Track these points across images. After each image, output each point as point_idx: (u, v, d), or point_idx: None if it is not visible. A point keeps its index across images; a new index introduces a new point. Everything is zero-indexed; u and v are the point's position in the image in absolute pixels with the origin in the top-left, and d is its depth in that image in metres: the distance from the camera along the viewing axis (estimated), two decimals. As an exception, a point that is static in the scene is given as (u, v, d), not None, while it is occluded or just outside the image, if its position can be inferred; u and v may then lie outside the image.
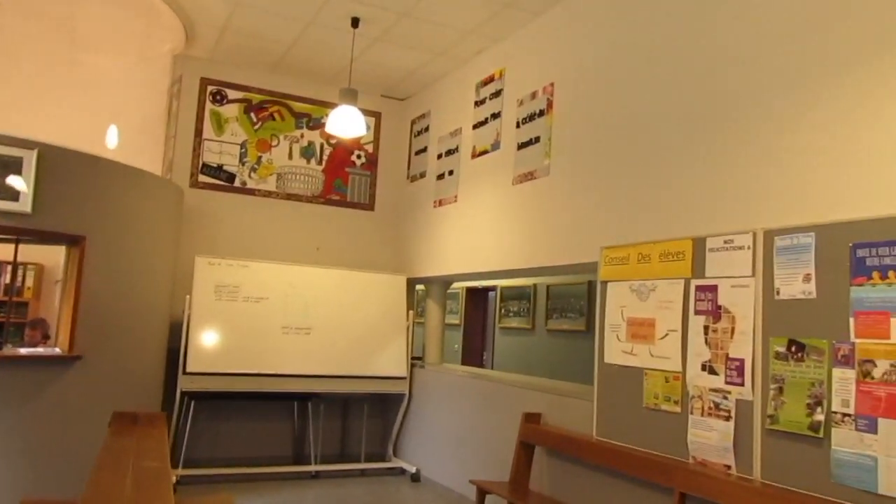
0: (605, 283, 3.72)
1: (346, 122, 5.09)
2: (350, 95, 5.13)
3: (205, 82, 6.15)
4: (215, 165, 6.13)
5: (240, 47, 5.83)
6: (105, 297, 4.58)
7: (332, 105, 6.47)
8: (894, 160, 2.52)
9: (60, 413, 4.29)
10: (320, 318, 5.76)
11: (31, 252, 6.41)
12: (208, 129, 6.13)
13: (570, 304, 7.41)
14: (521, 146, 4.88)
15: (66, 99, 4.77)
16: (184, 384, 5.18)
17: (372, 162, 6.76)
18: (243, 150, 6.22)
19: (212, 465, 5.61)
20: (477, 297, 9.38)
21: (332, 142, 6.59)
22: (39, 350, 4.43)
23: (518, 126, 4.95)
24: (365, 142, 6.74)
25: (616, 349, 3.58)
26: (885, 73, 2.61)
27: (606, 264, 3.73)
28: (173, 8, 5.14)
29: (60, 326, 4.45)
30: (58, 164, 4.36)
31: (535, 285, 8.03)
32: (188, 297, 5.38)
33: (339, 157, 6.62)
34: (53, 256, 6.30)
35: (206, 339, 5.34)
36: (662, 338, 3.30)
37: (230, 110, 6.21)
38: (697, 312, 3.11)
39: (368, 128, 6.71)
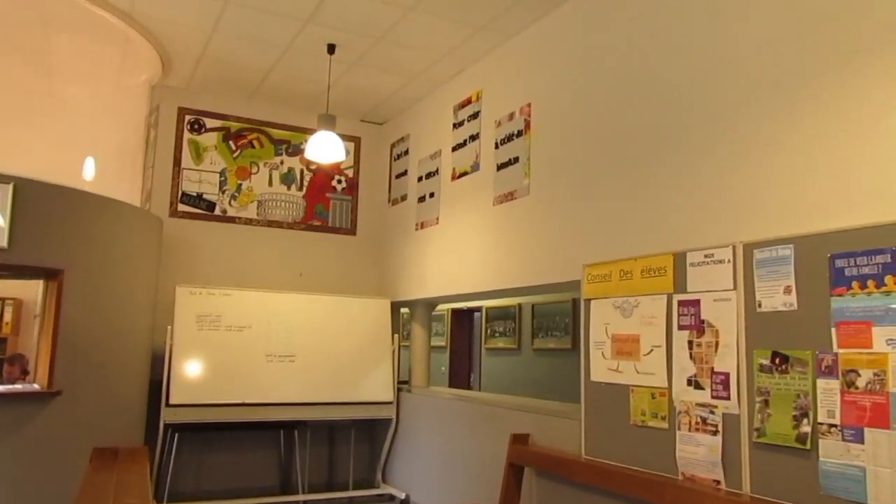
0: (588, 300, 3.71)
1: (325, 148, 5.08)
2: (328, 121, 5.13)
3: (182, 111, 6.14)
4: (195, 194, 6.11)
5: (217, 76, 5.84)
6: (84, 331, 4.51)
7: (310, 131, 6.49)
8: (870, 169, 2.54)
9: (40, 451, 4.19)
10: (305, 344, 5.72)
11: (8, 287, 6.32)
12: (187, 158, 6.11)
13: (556, 322, 7.40)
14: (501, 167, 4.89)
15: (42, 131, 4.74)
16: (167, 416, 5.10)
17: (352, 186, 6.77)
18: (223, 179, 6.22)
19: (197, 499, 5.51)
20: (462, 319, 9.35)
21: (312, 168, 6.59)
22: (18, 387, 4.36)
23: (497, 147, 4.97)
24: (345, 167, 6.76)
25: (602, 366, 3.57)
26: (859, 84, 2.64)
27: (589, 282, 3.72)
28: (148, 39, 5.14)
29: (39, 362, 4.38)
30: (34, 198, 4.32)
31: (519, 305, 8.03)
32: (169, 327, 5.32)
33: (320, 182, 6.63)
34: (32, 290, 6.23)
35: (189, 370, 5.28)
36: (647, 354, 3.29)
37: (208, 139, 6.21)
38: (681, 327, 3.11)
39: (348, 152, 6.73)
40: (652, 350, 3.26)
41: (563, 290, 4.54)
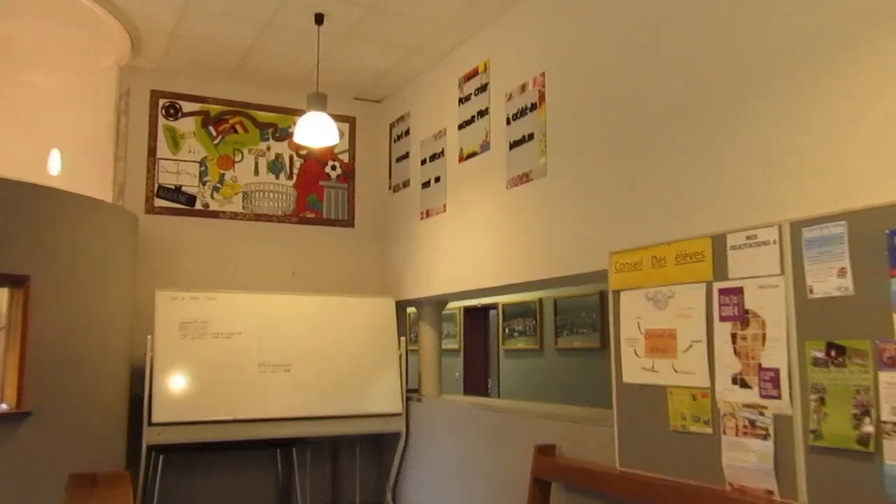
0: (616, 292, 3.72)
1: (316, 131, 5.09)
2: (319, 101, 5.14)
3: (156, 95, 6.17)
4: (172, 187, 6.15)
5: (192, 54, 5.85)
6: (56, 344, 4.54)
7: (299, 112, 6.50)
8: (930, 134, 2.52)
9: (9, 478, 4.21)
10: (301, 351, 5.75)
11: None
12: (162, 148, 6.15)
13: (581, 318, 7.40)
14: (514, 145, 4.90)
15: (3, 124, 4.75)
16: (150, 437, 5.12)
17: (348, 173, 6.79)
18: (203, 169, 6.25)
19: (187, 527, 5.55)
20: (476, 318, 9.37)
21: (303, 153, 6.62)
22: (-17, 408, 4.37)
23: (508, 123, 4.97)
24: (339, 151, 6.78)
25: (635, 366, 3.57)
26: (913, 37, 2.60)
27: (617, 271, 3.73)
28: (115, 15, 5.16)
29: (6, 379, 4.40)
30: (-6, 197, 4.33)
31: (540, 300, 8.03)
32: (150, 337, 5.35)
33: (312, 169, 6.65)
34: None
35: (174, 384, 5.31)
36: (685, 350, 3.29)
37: (186, 125, 6.23)
38: (722, 318, 3.10)
39: (342, 135, 6.74)
40: (691, 346, 3.26)
41: (588, 282, 4.51)
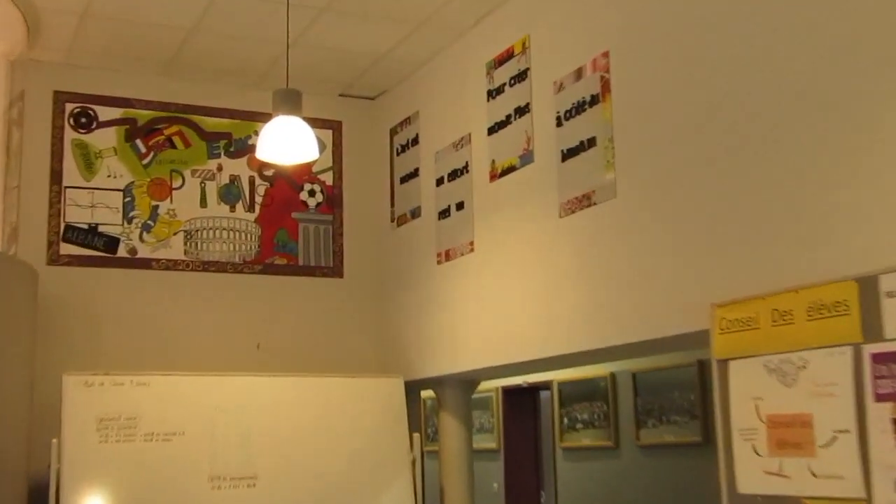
0: (723, 362, 3.69)
1: (286, 143, 5.00)
2: (290, 100, 5.04)
3: (61, 98, 6.23)
4: (86, 227, 6.16)
5: (112, 42, 5.89)
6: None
7: (263, 117, 6.16)
8: None
9: None
10: (271, 458, 5.70)
11: None
12: (71, 171, 6.18)
13: (673, 400, 7.32)
14: (568, 155, 4.89)
15: None
16: (56, 589, 5.09)
17: (333, 200, 6.77)
18: (129, 200, 6.25)
19: None
20: (521, 403, 9.30)
21: (269, 174, 6.62)
22: None
23: (559, 124, 4.97)
24: (319, 170, 6.77)
25: (754, 469, 3.52)
26: None
27: (723, 331, 3.70)
28: (3, -11, 5.26)
29: None
30: None
31: (612, 375, 7.97)
32: (55, 442, 5.32)
33: (282, 196, 6.64)
34: None
35: (89, 509, 5.29)
36: (827, 444, 3.25)
37: (104, 138, 6.26)
38: (879, 398, 3.07)
39: (323, 147, 6.56)
40: (835, 438, 3.22)
41: (681, 348, 4.56)
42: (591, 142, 4.72)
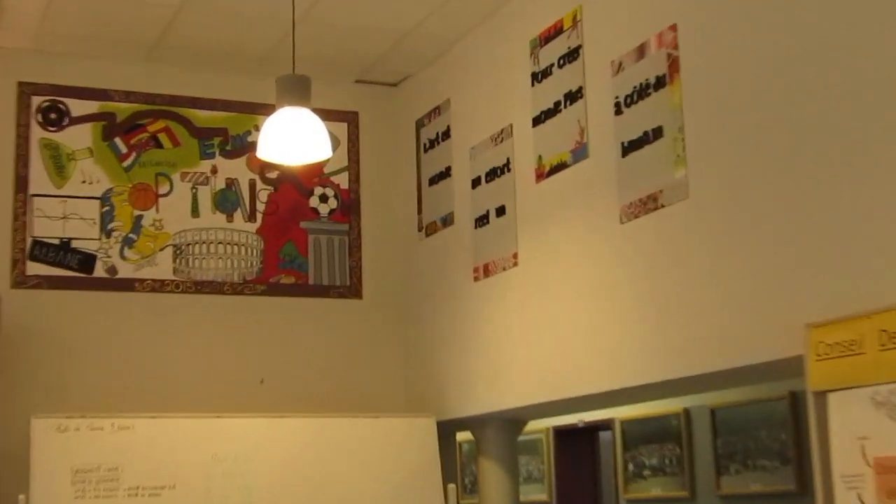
0: (821, 394, 3.69)
1: (293, 138, 5.02)
2: (297, 88, 5.05)
3: (27, 90, 6.26)
4: (57, 242, 6.19)
5: (85, 24, 5.92)
6: None
7: (265, 109, 6.19)
8: None
9: None
10: (278, 515, 5.70)
11: None
12: (39, 177, 6.21)
13: (761, 441, 7.25)
14: (629, 148, 4.88)
15: None
16: None
17: (349, 207, 6.78)
18: (107, 209, 6.27)
19: None
20: (577, 446, 9.26)
21: (272, 176, 6.61)
22: None
23: (619, 111, 4.97)
24: (332, 170, 6.79)
25: (862, 525, 3.49)
26: None
27: (821, 357, 3.69)
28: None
29: None
30: None
31: (686, 412, 7.92)
32: (22, 497, 5.31)
33: (288, 203, 6.65)
34: None
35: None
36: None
37: (77, 137, 6.29)
38: None
39: (337, 144, 6.61)
40: (963, 489, 3.15)
41: (770, 378, 4.62)
42: (658, 132, 4.70)
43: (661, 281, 4.69)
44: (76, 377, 6.09)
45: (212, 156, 6.53)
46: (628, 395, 5.46)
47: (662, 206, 4.65)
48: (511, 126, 5.79)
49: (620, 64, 4.96)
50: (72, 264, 6.17)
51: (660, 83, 4.70)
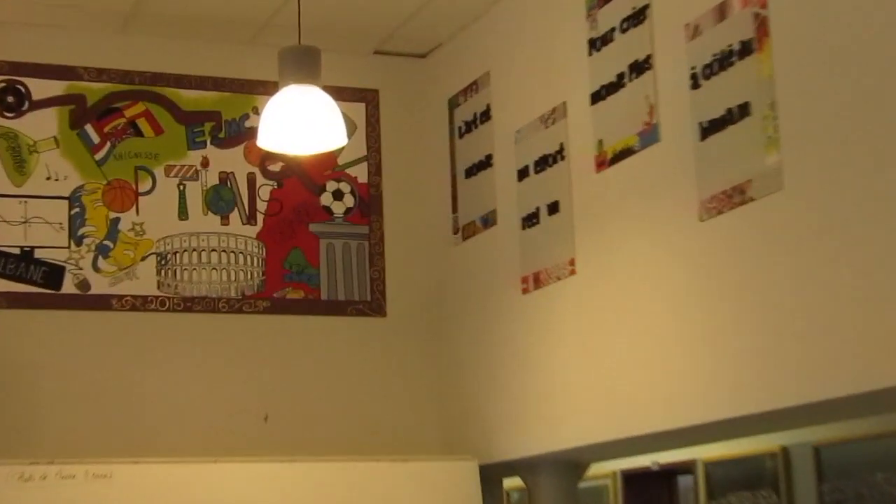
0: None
1: (299, 123, 5.02)
2: (303, 62, 5.05)
3: (-25, 70, 6.29)
4: (17, 252, 6.15)
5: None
6: None
7: (265, 88, 6.36)
8: None
9: None
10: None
11: None
12: (-6, 173, 6.21)
13: (876, 486, 7.21)
14: (709, 129, 4.80)
15: None
16: None
17: (369, 205, 6.77)
18: (77, 211, 6.25)
19: None
20: (650, 492, 9.31)
21: (275, 169, 6.61)
22: None
23: (696, 84, 4.89)
24: (347, 162, 6.77)
25: None
26: None
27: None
28: None
29: None
30: None
31: (784, 451, 7.91)
32: (-23, 562, 5.37)
33: (294, 201, 6.64)
34: None
35: None
36: None
37: (40, 125, 6.26)
38: None
39: (353, 129, 6.64)
40: None
41: (888, 409, 4.67)
42: (744, 109, 4.62)
43: (752, 289, 4.60)
44: (42, 414, 6.07)
45: (202, 145, 6.49)
46: (715, 431, 5.37)
47: (751, 199, 4.56)
48: (564, 104, 5.75)
49: (697, 27, 4.88)
50: (35, 278, 6.13)
51: (745, 49, 4.61)
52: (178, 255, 6.38)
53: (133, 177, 6.35)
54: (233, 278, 6.47)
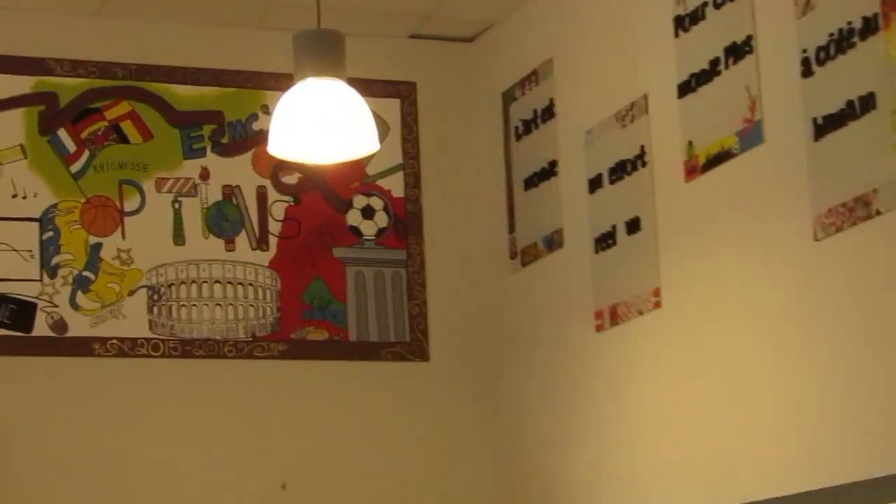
0: None
1: (319, 125, 5.02)
2: (324, 49, 5.08)
3: (-71, 63, 6.32)
4: (-21, 287, 6.17)
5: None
6: None
7: (277, 81, 6.36)
8: None
9: None
10: None
11: None
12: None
13: None
14: (825, 127, 4.70)
15: None
16: None
17: (406, 224, 6.77)
18: (50, 236, 6.27)
19: None
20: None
21: (290, 181, 6.59)
22: None
23: (808, 72, 4.79)
24: (380, 171, 6.78)
25: None
26: None
27: None
28: None
29: None
30: None
31: None
32: None
33: (314, 221, 6.63)
34: None
35: None
36: None
37: (3, 130, 6.28)
38: None
39: (386, 131, 6.65)
40: None
41: None
42: (867, 102, 4.49)
43: (881, 325, 4.49)
44: (13, 480, 6.08)
45: (200, 153, 6.51)
46: (834, 500, 5.16)
47: (878, 212, 4.46)
48: (646, 98, 5.72)
49: (808, 1, 4.78)
50: (1, 318, 6.15)
51: (869, 27, 4.49)
52: (173, 288, 6.40)
53: (117, 193, 6.37)
54: (241, 316, 6.48)
